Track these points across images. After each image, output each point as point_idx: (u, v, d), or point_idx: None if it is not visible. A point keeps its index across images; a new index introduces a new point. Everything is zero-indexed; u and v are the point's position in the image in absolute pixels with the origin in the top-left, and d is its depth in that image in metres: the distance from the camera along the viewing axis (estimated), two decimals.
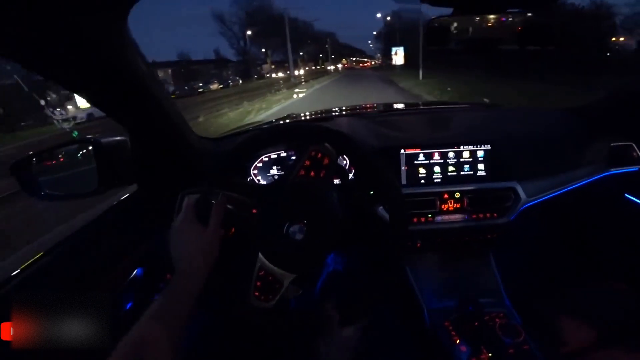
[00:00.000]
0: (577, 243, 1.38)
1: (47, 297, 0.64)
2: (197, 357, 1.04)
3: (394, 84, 20.11)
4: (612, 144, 1.24)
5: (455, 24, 1.09)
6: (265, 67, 61.59)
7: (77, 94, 0.82)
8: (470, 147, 1.18)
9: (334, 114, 1.64)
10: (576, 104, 1.39)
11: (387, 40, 58.53)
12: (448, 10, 0.91)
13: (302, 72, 54.41)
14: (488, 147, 1.18)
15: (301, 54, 76.39)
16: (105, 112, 0.91)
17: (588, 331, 1.07)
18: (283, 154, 1.19)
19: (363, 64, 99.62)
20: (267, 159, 1.19)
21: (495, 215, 1.17)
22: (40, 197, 0.97)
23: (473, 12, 1.09)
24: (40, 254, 0.88)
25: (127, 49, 0.75)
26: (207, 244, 0.64)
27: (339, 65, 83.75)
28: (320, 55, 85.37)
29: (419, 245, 1.23)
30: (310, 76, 42.18)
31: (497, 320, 1.08)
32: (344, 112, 1.68)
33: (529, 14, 1.04)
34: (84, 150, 1.06)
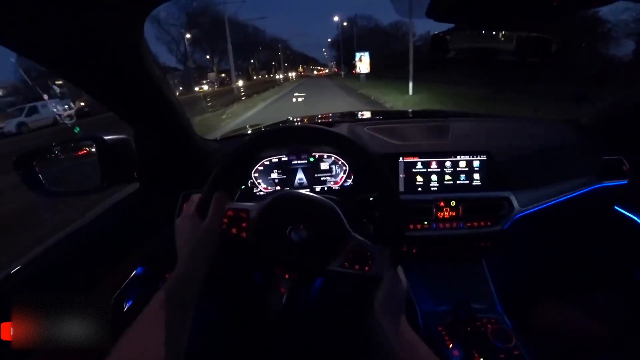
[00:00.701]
0: (568, 252, 1.40)
1: (47, 297, 0.63)
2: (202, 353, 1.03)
3: (375, 102, 14.32)
4: (604, 157, 1.26)
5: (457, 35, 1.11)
6: (212, 75, 53.86)
7: (87, 91, 0.82)
8: (467, 157, 1.20)
9: (331, 119, 1.65)
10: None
11: (345, 47, 55.11)
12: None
13: (241, 83, 44.38)
14: (484, 157, 1.20)
15: (252, 61, 72.45)
16: (114, 111, 0.92)
17: (578, 339, 1.08)
18: (284, 158, 1.19)
19: (318, 71, 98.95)
20: (268, 162, 1.19)
21: (489, 223, 1.18)
22: (41, 193, 0.97)
23: (476, 28, 1.11)
24: (41, 251, 0.87)
25: (141, 48, 0.76)
26: (205, 236, 0.62)
27: (292, 74, 77.91)
28: (273, 63, 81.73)
29: (414, 251, 1.24)
30: (257, 87, 32.15)
31: (489, 325, 1.10)
32: (343, 118, 1.68)
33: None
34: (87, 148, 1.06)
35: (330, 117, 1.73)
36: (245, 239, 0.68)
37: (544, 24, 1.06)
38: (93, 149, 1.02)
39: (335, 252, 0.66)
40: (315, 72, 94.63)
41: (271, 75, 74.71)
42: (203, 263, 0.61)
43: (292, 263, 0.70)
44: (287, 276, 0.73)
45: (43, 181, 0.97)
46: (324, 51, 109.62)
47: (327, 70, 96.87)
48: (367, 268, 0.66)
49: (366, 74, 26.21)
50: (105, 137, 0.99)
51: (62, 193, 1.07)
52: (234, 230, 0.68)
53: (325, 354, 0.92)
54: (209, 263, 0.62)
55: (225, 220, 0.67)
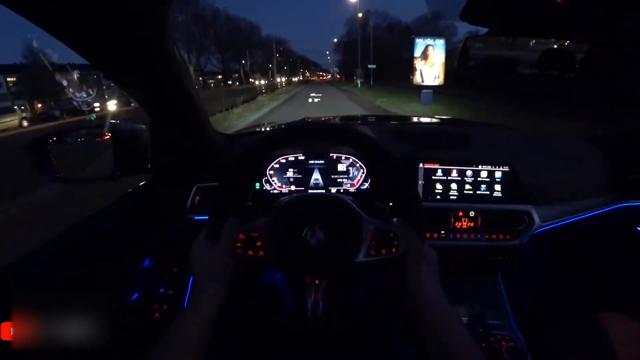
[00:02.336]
0: (587, 272, 1.33)
1: (47, 297, 0.63)
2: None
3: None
4: (629, 177, 1.20)
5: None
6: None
7: (110, 77, 0.80)
8: (489, 168, 1.14)
9: (352, 121, 1.60)
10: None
11: (349, 52, 50.19)
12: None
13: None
14: (506, 168, 1.13)
15: (243, 62, 60.13)
16: (134, 97, 0.90)
17: None
18: (301, 157, 1.14)
19: (321, 77, 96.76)
20: (284, 160, 1.14)
21: (508, 237, 1.12)
22: (53, 179, 0.94)
23: (510, 34, 1.05)
24: (50, 242, 0.84)
25: (165, 37, 0.74)
26: (219, 261, 0.61)
27: (295, 79, 68.76)
28: (270, 66, 71.40)
29: None
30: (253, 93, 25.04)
31: (503, 343, 1.04)
32: (361, 120, 1.63)
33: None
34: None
35: (348, 119, 1.68)
36: (264, 257, 0.64)
37: (581, 34, 0.99)
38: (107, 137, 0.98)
39: (357, 244, 0.63)
40: (320, 78, 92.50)
41: (271, 79, 65.63)
42: (219, 283, 0.60)
43: (316, 267, 0.66)
44: (317, 282, 0.69)
45: (55, 166, 0.94)
46: (327, 54, 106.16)
47: (329, 76, 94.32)
48: (394, 250, 0.63)
49: (361, 82, 30.44)
50: (121, 126, 0.96)
51: (73, 179, 1.04)
52: (250, 253, 0.64)
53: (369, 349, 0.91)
54: (228, 292, 0.60)
55: (239, 244, 0.64)
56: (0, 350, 0.58)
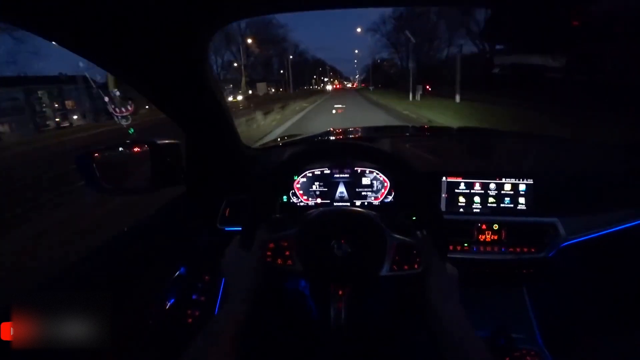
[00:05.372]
0: (617, 287, 1.24)
1: (47, 297, 0.63)
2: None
3: None
4: None
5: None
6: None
7: (150, 98, 0.85)
8: (513, 180, 1.10)
9: (373, 134, 1.60)
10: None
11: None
12: None
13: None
14: (531, 181, 1.10)
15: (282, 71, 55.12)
16: (171, 116, 0.95)
17: None
18: (327, 171, 1.15)
19: (351, 84, 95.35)
20: (310, 174, 1.15)
21: (533, 250, 1.08)
22: (99, 190, 0.98)
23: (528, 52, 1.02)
24: (93, 249, 0.88)
25: (205, 63, 0.79)
26: (250, 268, 0.63)
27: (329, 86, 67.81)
28: (315, 77, 74.10)
29: None
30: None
31: (528, 357, 1.00)
32: (385, 133, 1.62)
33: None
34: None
35: (372, 131, 1.68)
36: (292, 266, 0.65)
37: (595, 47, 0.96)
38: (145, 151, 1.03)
39: (381, 259, 0.64)
40: (348, 86, 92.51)
41: (313, 87, 72.04)
42: (253, 298, 0.61)
43: (341, 278, 0.67)
44: (340, 292, 0.70)
45: (99, 178, 0.99)
46: (355, 61, 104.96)
47: (356, 84, 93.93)
48: (416, 266, 0.63)
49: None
50: (158, 142, 1.00)
51: (115, 191, 1.08)
52: (279, 261, 0.66)
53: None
54: (259, 298, 0.62)
55: (269, 252, 0.66)
56: (0, 350, 0.58)
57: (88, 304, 0.62)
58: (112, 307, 0.63)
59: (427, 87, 21.04)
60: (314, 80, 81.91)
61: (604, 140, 1.44)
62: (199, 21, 0.67)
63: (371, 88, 47.19)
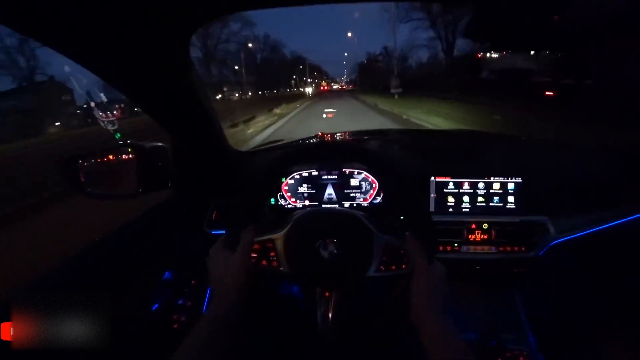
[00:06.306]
0: (608, 285, 1.26)
1: (47, 297, 0.62)
2: None
3: None
4: None
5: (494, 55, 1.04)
6: None
7: (134, 100, 0.84)
8: (501, 179, 1.11)
9: (362, 136, 1.59)
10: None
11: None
12: None
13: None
14: (519, 180, 1.10)
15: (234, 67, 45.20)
16: (156, 119, 0.93)
17: None
18: (314, 173, 1.14)
19: (339, 85, 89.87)
20: (298, 176, 1.14)
21: (522, 249, 1.08)
22: (83, 195, 0.96)
23: (512, 49, 1.04)
24: (75, 254, 0.85)
25: (187, 65, 0.78)
26: (234, 268, 0.61)
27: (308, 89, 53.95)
28: (294, 77, 66.73)
29: None
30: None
31: (520, 358, 0.99)
32: (374, 135, 1.62)
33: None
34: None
35: (361, 134, 1.68)
36: (277, 267, 0.64)
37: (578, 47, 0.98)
38: (131, 156, 1.00)
39: (368, 259, 0.63)
40: (339, 88, 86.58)
41: (292, 90, 61.98)
42: (237, 299, 0.59)
43: (327, 280, 0.66)
44: (327, 294, 0.69)
45: (84, 183, 0.96)
46: (344, 63, 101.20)
47: (344, 85, 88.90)
48: (403, 266, 0.63)
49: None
50: (144, 145, 0.98)
51: (100, 195, 1.06)
52: (264, 262, 0.65)
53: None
54: (244, 299, 0.60)
55: (254, 254, 0.65)
56: (0, 350, 0.58)
57: (88, 304, 0.62)
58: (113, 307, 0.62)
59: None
60: (293, 82, 73.00)
61: (584, 143, 1.47)
62: (176, 21, 0.66)
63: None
